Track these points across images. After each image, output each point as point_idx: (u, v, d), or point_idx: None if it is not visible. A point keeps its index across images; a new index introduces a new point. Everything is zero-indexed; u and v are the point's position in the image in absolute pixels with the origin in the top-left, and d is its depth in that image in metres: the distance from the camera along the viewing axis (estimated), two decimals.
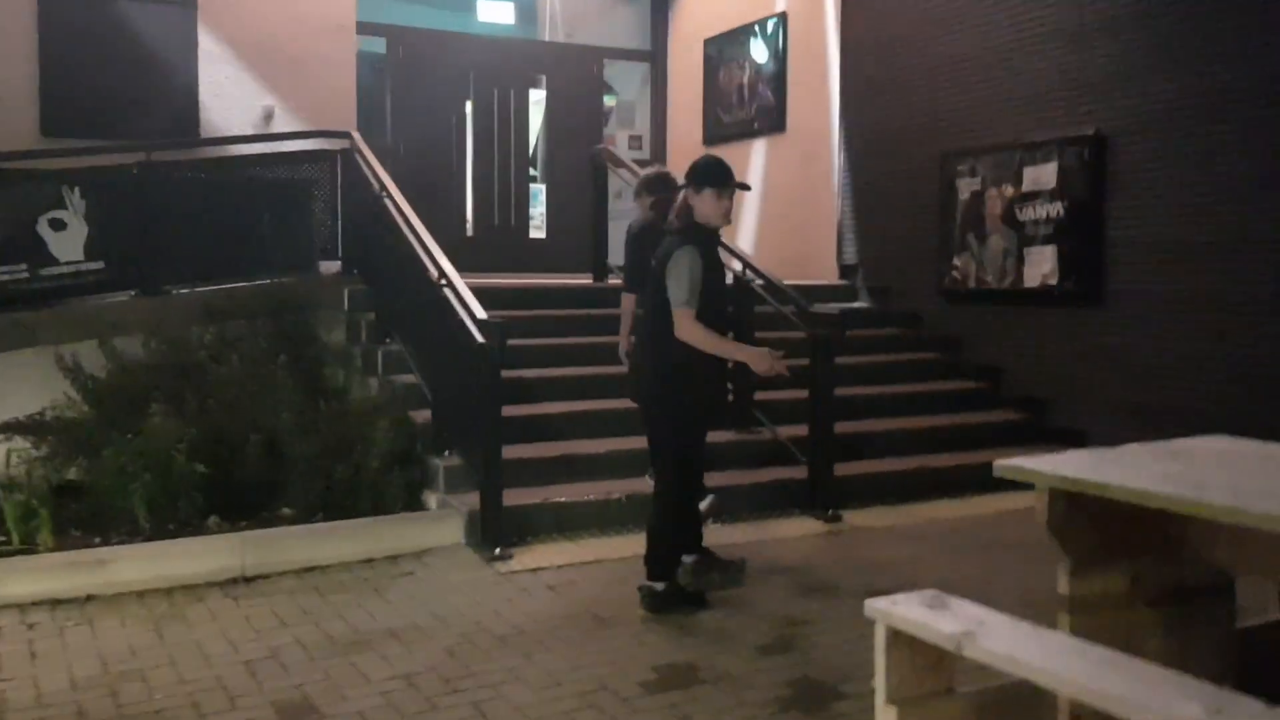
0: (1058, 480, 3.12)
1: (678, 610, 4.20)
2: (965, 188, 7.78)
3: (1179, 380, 6.43)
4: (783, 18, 9.35)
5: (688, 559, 4.47)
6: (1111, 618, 3.24)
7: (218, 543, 4.79)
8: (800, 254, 8.91)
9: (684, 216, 4.31)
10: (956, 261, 7.88)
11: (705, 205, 4.28)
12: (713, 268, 4.29)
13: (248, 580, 4.60)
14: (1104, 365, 6.88)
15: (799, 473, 5.86)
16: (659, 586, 4.24)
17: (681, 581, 4.36)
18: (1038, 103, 7.26)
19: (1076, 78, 6.99)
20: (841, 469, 5.91)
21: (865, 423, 6.68)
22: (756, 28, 9.63)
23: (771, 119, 9.50)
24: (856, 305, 8.39)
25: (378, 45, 9.76)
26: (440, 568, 4.78)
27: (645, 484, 5.54)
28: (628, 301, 5.54)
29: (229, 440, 5.39)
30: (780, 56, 9.38)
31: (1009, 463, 3.30)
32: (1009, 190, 7.46)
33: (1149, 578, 3.29)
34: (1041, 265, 7.27)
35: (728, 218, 4.40)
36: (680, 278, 4.14)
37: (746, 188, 4.51)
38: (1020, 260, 7.41)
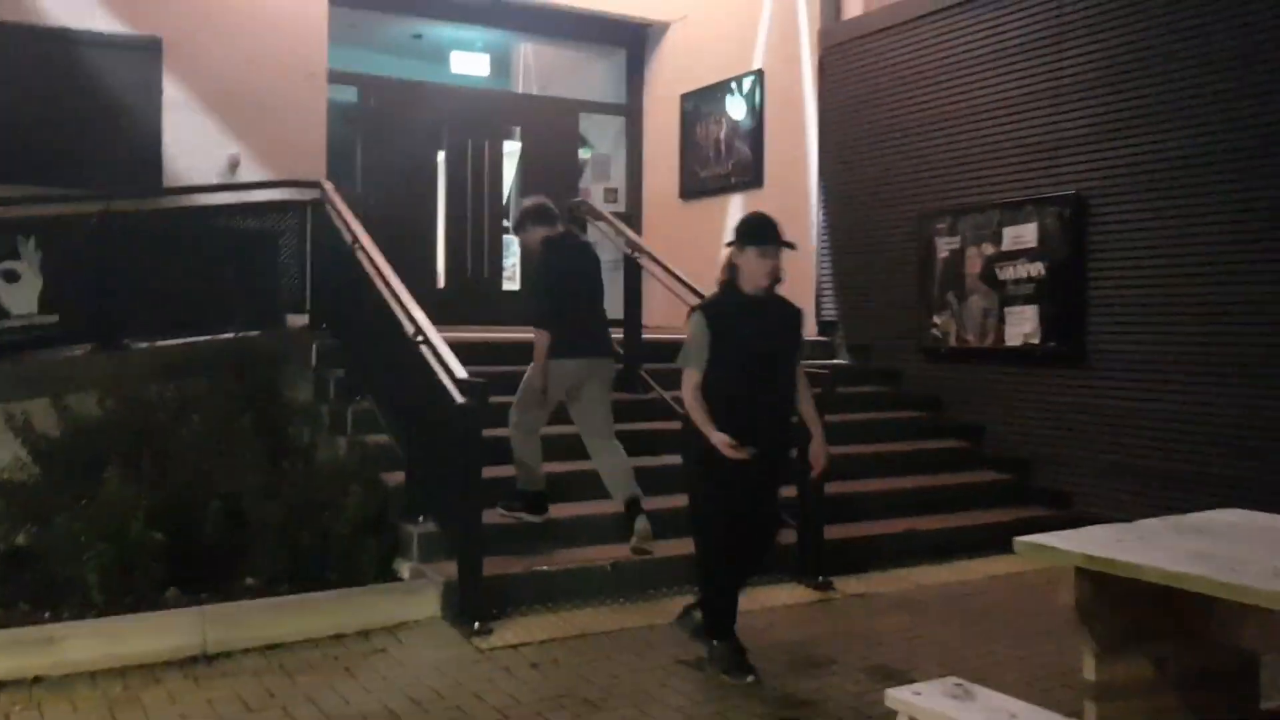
0: (1084, 560, 2.97)
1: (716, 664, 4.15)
2: (944, 246, 7.71)
3: (1161, 441, 6.34)
4: (759, 75, 9.31)
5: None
6: (1138, 704, 3.08)
7: (177, 618, 4.48)
8: None
9: (726, 274, 4.23)
10: (936, 320, 7.79)
11: (748, 264, 4.17)
12: (732, 332, 4.13)
13: (209, 659, 4.30)
14: (1087, 425, 6.79)
15: (788, 536, 5.62)
16: (699, 615, 4.32)
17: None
18: (1017, 162, 7.23)
19: (1056, 137, 6.97)
20: (830, 532, 5.72)
21: (851, 484, 6.51)
22: (733, 84, 9.58)
23: (749, 175, 9.42)
24: (836, 362, 8.27)
25: (349, 94, 9.60)
26: (416, 645, 4.51)
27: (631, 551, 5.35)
28: (538, 338, 5.40)
29: (189, 506, 5.09)
30: (757, 113, 9.33)
31: (1031, 539, 3.14)
32: (989, 249, 7.40)
33: (1175, 661, 3.13)
34: (1023, 325, 7.19)
35: (774, 276, 4.23)
36: (686, 344, 4.19)
37: (792, 246, 4.29)
38: (1001, 319, 7.33)
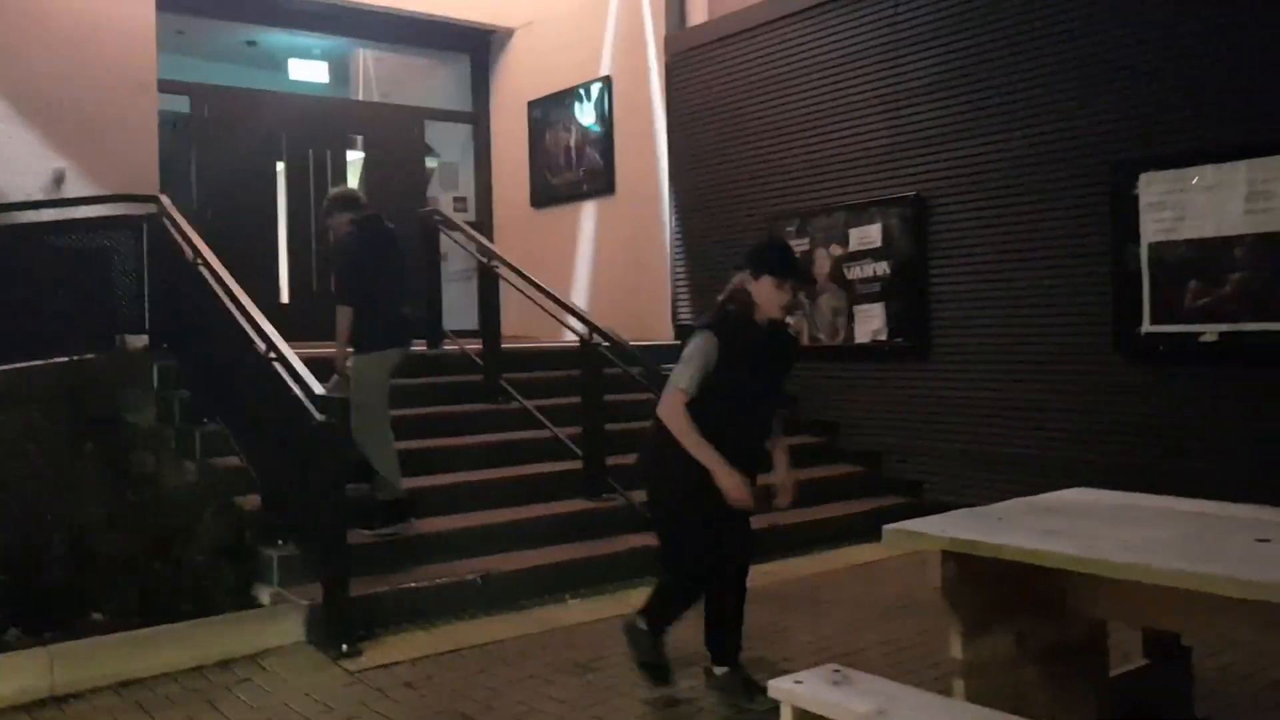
0: (949, 543, 3.09)
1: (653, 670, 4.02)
2: (794, 248, 7.89)
3: (1003, 427, 6.66)
4: (607, 81, 9.37)
5: (719, 670, 4.05)
6: (1002, 679, 3.22)
7: (20, 660, 4.19)
8: (635, 314, 8.86)
9: (737, 299, 3.91)
10: (790, 320, 7.96)
11: (763, 293, 3.87)
12: (740, 361, 3.84)
13: (59, 701, 4.04)
14: (934, 416, 7.08)
15: (653, 540, 5.69)
16: (642, 625, 4.02)
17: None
18: (861, 165, 7.49)
19: (896, 141, 7.24)
20: None
21: None
22: (582, 91, 9.62)
23: (600, 181, 9.47)
24: None
25: (182, 104, 9.21)
26: (282, 671, 4.35)
27: (504, 561, 5.30)
28: (344, 316, 5.36)
29: (29, 542, 4.79)
30: (607, 120, 9.39)
31: (898, 526, 3.26)
32: (837, 250, 7.63)
33: (1033, 635, 3.30)
34: (871, 322, 7.44)
35: (788, 310, 4.02)
36: (687, 360, 3.83)
37: (812, 283, 4.18)
38: (850, 318, 7.57)
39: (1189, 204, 5.70)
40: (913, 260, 7.15)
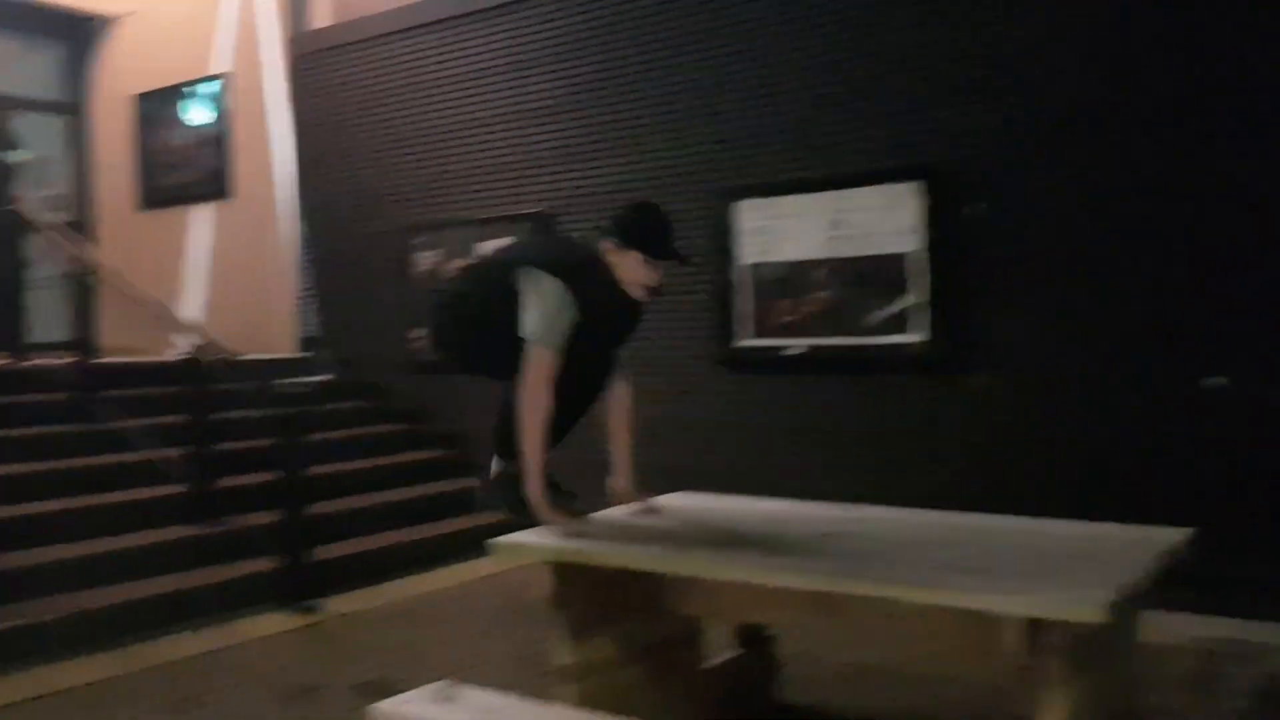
0: (554, 553, 3.20)
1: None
2: (426, 260, 7.88)
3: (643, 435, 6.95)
4: (225, 79, 8.86)
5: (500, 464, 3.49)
6: (608, 681, 3.37)
7: None
8: (257, 325, 8.43)
9: (594, 256, 3.35)
10: (418, 333, 7.92)
11: (628, 269, 3.33)
12: (595, 326, 3.29)
13: None
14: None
15: (271, 564, 5.44)
16: (498, 465, 3.52)
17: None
18: (492, 180, 7.57)
19: (527, 158, 7.40)
20: (315, 554, 5.59)
21: (337, 502, 6.42)
22: (196, 87, 9.02)
23: (217, 184, 8.93)
24: (320, 378, 8.10)
25: None
26: None
27: (100, 596, 4.84)
28: None
29: None
30: (224, 119, 8.87)
31: (506, 539, 3.32)
32: (466, 262, 7.66)
33: (633, 636, 3.48)
34: None
35: (652, 294, 3.41)
36: (549, 313, 3.19)
37: (687, 261, 3.47)
38: None
39: (781, 230, 6.26)
40: None
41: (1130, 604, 2.65)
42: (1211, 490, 4.87)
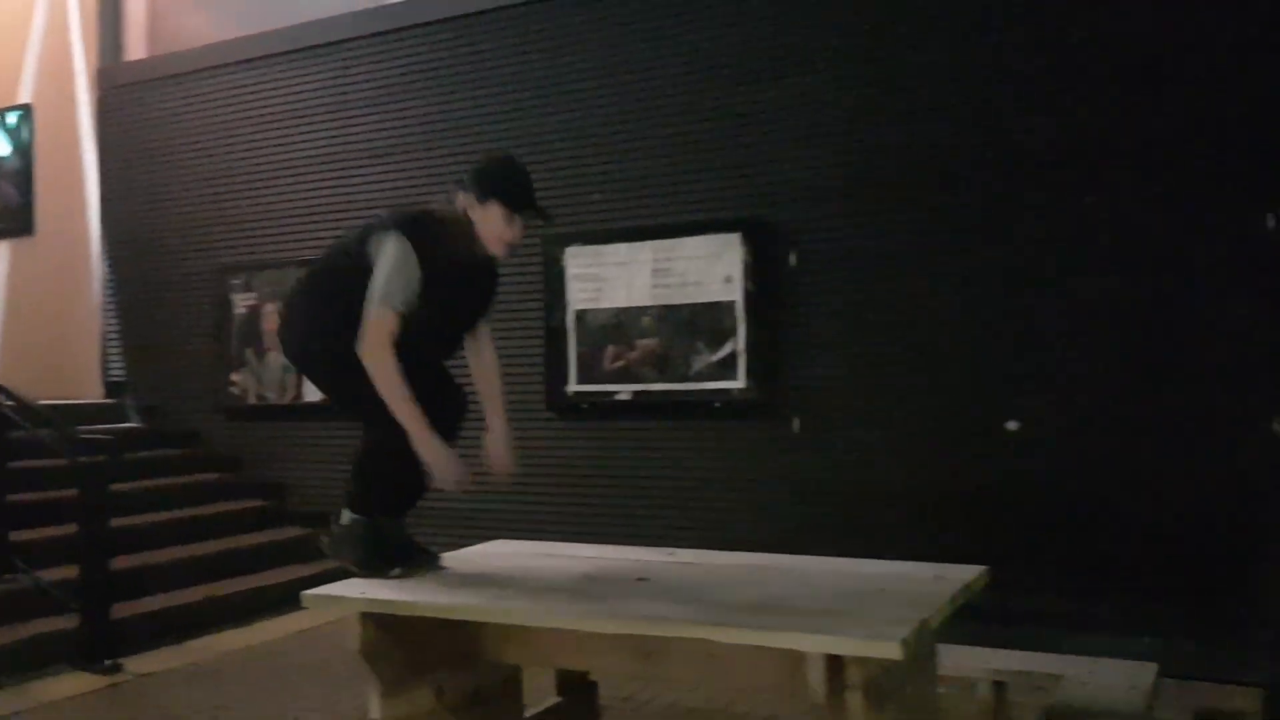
0: (367, 604, 3.12)
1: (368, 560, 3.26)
2: (241, 302, 7.64)
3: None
4: (27, 110, 8.42)
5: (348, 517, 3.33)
6: None
7: None
8: (58, 370, 7.98)
9: (450, 221, 3.21)
10: (235, 378, 7.66)
11: (488, 224, 3.19)
12: (442, 287, 3.15)
13: None
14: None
15: (69, 622, 5.12)
16: (345, 519, 3.31)
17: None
18: (310, 221, 7.42)
19: (349, 200, 7.28)
20: (119, 610, 5.31)
21: (143, 555, 6.11)
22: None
23: (17, 220, 8.45)
24: (127, 425, 7.72)
25: None
26: None
27: None
28: None
29: None
30: (26, 152, 8.42)
31: (318, 592, 3.23)
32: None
33: (451, 687, 3.42)
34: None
35: (510, 250, 3.28)
36: (390, 272, 3.07)
37: (549, 218, 3.42)
38: (300, 376, 7.43)
39: (607, 277, 6.36)
40: None
41: (927, 640, 2.79)
42: (1005, 529, 5.18)
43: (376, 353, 3.08)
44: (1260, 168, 4.84)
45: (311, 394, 7.35)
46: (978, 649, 3.75)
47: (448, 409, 3.38)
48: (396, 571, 3.30)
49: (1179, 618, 4.84)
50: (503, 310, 6.67)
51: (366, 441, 3.39)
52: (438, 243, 3.17)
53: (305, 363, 3.60)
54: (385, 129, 7.16)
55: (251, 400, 7.59)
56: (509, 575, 3.38)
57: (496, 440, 3.53)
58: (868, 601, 2.82)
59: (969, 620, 3.13)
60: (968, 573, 3.16)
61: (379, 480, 3.37)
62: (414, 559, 3.39)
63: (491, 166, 3.33)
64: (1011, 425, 5.31)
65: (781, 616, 2.67)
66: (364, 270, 3.16)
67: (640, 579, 3.20)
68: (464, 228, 3.23)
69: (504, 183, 3.24)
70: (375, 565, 3.31)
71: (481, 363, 3.60)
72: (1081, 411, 5.17)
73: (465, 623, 3.18)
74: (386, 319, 3.07)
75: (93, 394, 8.00)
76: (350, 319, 3.11)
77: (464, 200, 3.24)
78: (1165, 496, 4.96)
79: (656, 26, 6.28)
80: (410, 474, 3.32)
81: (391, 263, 3.09)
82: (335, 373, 3.31)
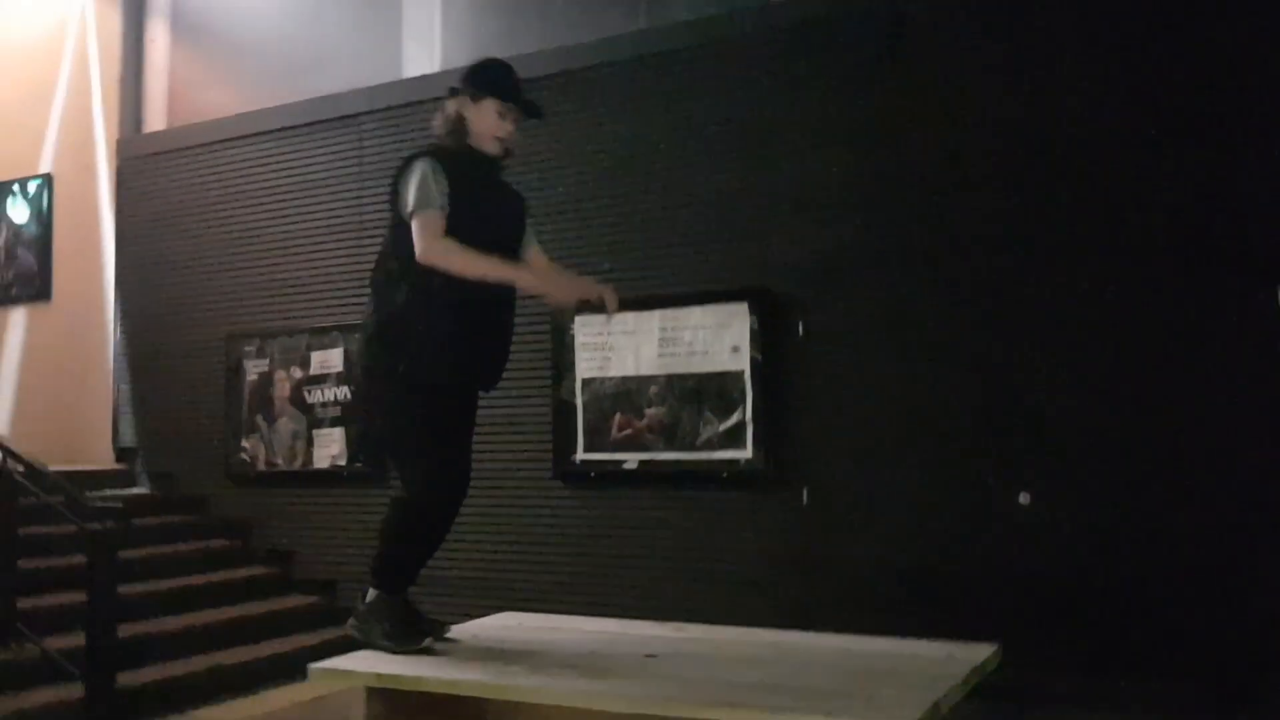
0: (374, 678, 3.12)
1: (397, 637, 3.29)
2: (253, 369, 7.69)
3: (452, 551, 6.82)
4: (48, 179, 8.57)
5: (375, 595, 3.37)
6: None
7: None
8: (70, 436, 8.02)
9: (451, 129, 3.35)
10: (245, 444, 7.68)
11: (482, 121, 3.31)
12: (472, 196, 3.23)
13: None
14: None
15: (74, 691, 5.08)
16: (372, 597, 3.34)
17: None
18: (325, 289, 7.50)
19: (362, 268, 7.34)
20: (125, 678, 5.27)
21: (150, 623, 6.08)
22: (16, 186, 8.69)
23: (34, 286, 8.55)
24: (136, 491, 7.73)
25: None
26: None
27: None
28: None
29: None
30: (45, 220, 8.55)
31: (325, 665, 3.24)
32: (298, 373, 7.53)
33: None
34: (330, 446, 7.39)
35: (506, 146, 3.39)
36: (420, 185, 3.17)
37: (540, 112, 3.47)
38: (310, 442, 7.46)
39: (615, 346, 6.40)
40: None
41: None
42: (1018, 604, 5.13)
43: (437, 245, 3.14)
44: (1271, 244, 4.88)
45: (321, 461, 7.38)
46: None
47: (494, 353, 3.48)
48: (428, 641, 3.31)
49: (1195, 695, 4.77)
50: (510, 378, 6.71)
51: (398, 505, 3.44)
52: (454, 159, 3.28)
53: (368, 381, 3.67)
54: None
55: (261, 466, 7.60)
56: (516, 650, 3.37)
57: (548, 271, 3.61)
58: (878, 682, 2.80)
59: (982, 698, 3.11)
60: (980, 652, 3.15)
61: (412, 546, 3.41)
62: (431, 630, 3.39)
63: (482, 65, 3.48)
64: (1024, 498, 5.30)
65: (792, 698, 2.65)
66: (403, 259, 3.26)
67: (648, 655, 3.19)
68: (465, 142, 3.34)
69: (496, 77, 3.39)
70: (409, 638, 3.34)
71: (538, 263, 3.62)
72: (1094, 485, 5.15)
73: (471, 698, 3.17)
74: (430, 217, 3.16)
75: (104, 460, 8.02)
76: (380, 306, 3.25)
77: (456, 104, 3.37)
78: (1181, 571, 4.92)
79: (667, 98, 6.39)
80: (435, 540, 3.41)
81: (417, 177, 3.20)
82: (389, 399, 3.38)
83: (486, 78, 3.37)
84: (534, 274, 3.31)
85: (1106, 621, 5.03)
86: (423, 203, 3.16)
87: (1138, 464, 5.06)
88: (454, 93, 3.40)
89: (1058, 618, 5.11)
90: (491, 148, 3.37)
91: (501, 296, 3.41)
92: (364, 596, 3.47)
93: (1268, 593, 4.76)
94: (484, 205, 3.30)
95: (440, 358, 3.21)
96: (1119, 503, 5.08)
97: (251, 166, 7.87)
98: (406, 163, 3.31)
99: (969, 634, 3.36)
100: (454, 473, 3.37)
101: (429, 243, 3.14)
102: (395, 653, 3.29)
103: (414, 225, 3.16)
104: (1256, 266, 4.87)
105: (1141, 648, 4.94)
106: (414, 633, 3.34)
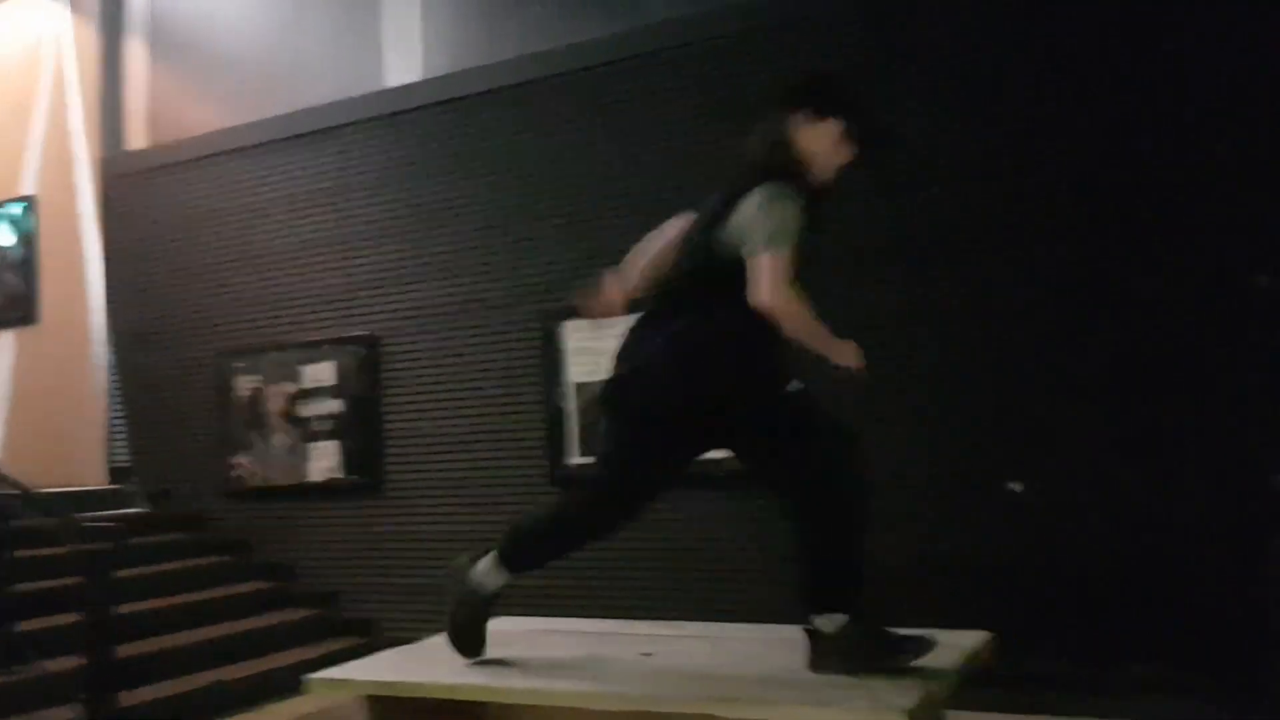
0: (372, 686, 3.13)
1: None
2: (245, 385, 7.69)
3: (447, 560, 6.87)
4: (31, 201, 8.56)
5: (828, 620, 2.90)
6: None
7: None
8: (63, 458, 8.00)
9: (786, 155, 2.81)
10: (240, 460, 7.69)
11: (823, 144, 2.82)
12: (807, 240, 2.77)
13: None
14: (388, 553, 7.14)
15: (74, 713, 5.09)
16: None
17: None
18: (316, 303, 7.50)
19: (352, 281, 7.37)
20: (126, 698, 5.27)
21: (149, 642, 6.08)
22: (2, 209, 8.68)
23: (22, 309, 8.52)
24: (132, 511, 7.73)
25: None
26: None
27: None
28: None
29: None
30: (30, 242, 8.54)
31: (323, 675, 3.24)
32: (290, 388, 7.53)
33: None
34: (325, 459, 7.40)
35: (838, 175, 2.89)
36: (780, 222, 2.68)
37: (899, 142, 3.02)
38: (305, 456, 7.46)
39: (606, 350, 6.39)
40: (367, 398, 7.25)
41: (933, 709, 2.78)
42: (1014, 591, 5.15)
43: (784, 292, 2.70)
44: (1250, 228, 4.92)
45: (316, 474, 7.39)
46: (989, 714, 3.73)
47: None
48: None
49: (1193, 680, 4.80)
50: (502, 385, 6.78)
51: (578, 509, 3.31)
52: (802, 190, 2.79)
53: (626, 384, 3.31)
54: (385, 212, 7.27)
55: (256, 482, 7.61)
56: (514, 653, 3.38)
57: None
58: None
59: (979, 686, 3.12)
60: (972, 640, 3.17)
61: (556, 544, 3.36)
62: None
63: (823, 82, 2.97)
64: (1015, 486, 5.32)
65: (786, 690, 2.67)
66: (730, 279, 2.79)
67: (645, 653, 3.21)
68: (799, 166, 2.84)
69: (848, 99, 2.89)
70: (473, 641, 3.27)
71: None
72: (1087, 472, 5.18)
73: (470, 702, 3.18)
74: (780, 257, 2.68)
75: (97, 480, 8.01)
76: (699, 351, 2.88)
77: (797, 117, 2.85)
78: (1175, 556, 4.95)
79: (661, 105, 6.41)
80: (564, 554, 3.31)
81: (780, 209, 2.71)
82: (648, 412, 3.11)
83: (835, 97, 2.88)
84: (841, 346, 2.89)
85: (1100, 609, 5.06)
86: (781, 240, 2.69)
87: (1132, 448, 5.09)
88: (784, 109, 2.88)
89: (1051, 606, 5.13)
90: (824, 175, 2.87)
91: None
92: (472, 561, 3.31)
93: (1261, 580, 4.78)
94: (811, 240, 2.82)
95: (740, 392, 2.92)
96: (1114, 487, 5.10)
97: (236, 182, 7.87)
98: (749, 183, 2.80)
99: (966, 622, 3.37)
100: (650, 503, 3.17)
101: (777, 288, 2.70)
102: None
103: (761, 262, 2.70)
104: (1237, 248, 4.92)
105: (1135, 635, 4.97)
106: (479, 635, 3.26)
